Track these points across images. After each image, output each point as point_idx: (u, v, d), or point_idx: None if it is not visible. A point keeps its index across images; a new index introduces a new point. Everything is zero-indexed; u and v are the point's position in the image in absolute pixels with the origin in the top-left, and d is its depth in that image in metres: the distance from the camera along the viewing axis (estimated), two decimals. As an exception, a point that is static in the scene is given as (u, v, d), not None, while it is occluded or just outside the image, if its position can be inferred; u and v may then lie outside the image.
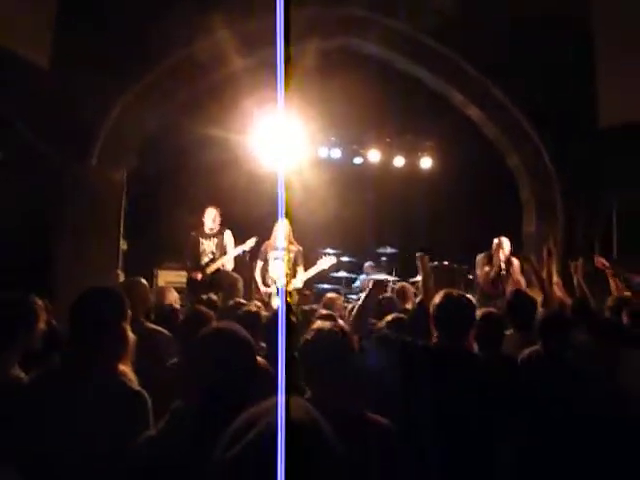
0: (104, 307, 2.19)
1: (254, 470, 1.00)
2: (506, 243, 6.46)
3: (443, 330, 2.65)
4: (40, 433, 1.95)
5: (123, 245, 7.00)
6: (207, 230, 6.93)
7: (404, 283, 5.99)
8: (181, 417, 1.71)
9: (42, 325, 2.65)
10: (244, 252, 7.10)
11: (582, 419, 2.68)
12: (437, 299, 2.71)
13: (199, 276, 6.80)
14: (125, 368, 2.12)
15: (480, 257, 6.62)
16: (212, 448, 1.35)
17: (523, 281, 6.12)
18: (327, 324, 2.14)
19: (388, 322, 3.41)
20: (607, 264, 5.10)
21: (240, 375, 1.74)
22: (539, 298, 4.31)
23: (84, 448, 1.91)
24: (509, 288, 5.76)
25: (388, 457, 1.90)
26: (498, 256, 6.33)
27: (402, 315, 3.62)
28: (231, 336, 1.82)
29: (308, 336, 2.07)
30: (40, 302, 2.68)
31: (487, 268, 6.42)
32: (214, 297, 4.73)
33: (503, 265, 6.28)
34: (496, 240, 6.45)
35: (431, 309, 2.72)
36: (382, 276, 8.87)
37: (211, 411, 1.62)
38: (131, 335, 2.23)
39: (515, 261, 6.36)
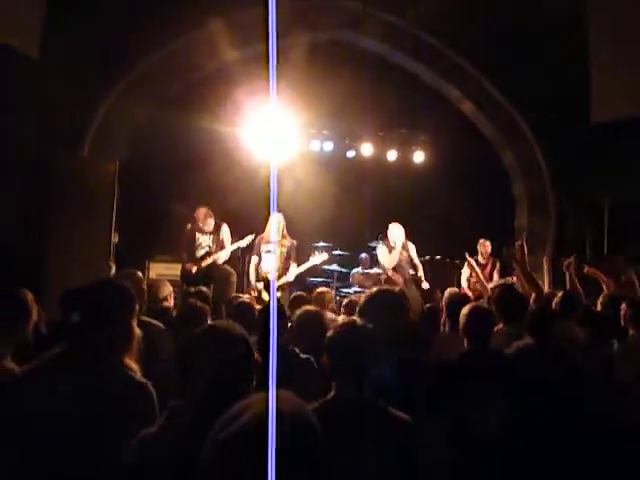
0: (116, 302, 2.21)
1: (237, 460, 1.01)
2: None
3: None
4: (42, 426, 1.94)
5: (115, 237, 6.96)
6: (203, 226, 6.92)
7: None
8: (180, 414, 1.71)
9: (34, 318, 2.65)
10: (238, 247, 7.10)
11: (576, 413, 2.70)
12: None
13: (194, 269, 6.79)
14: (130, 362, 2.14)
15: None
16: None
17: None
18: (352, 319, 2.18)
19: None
20: (597, 272, 5.12)
21: (238, 372, 1.74)
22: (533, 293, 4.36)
23: (89, 441, 1.91)
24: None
25: (409, 453, 1.93)
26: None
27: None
28: (227, 333, 1.82)
29: (334, 331, 2.10)
30: (31, 295, 2.68)
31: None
32: (204, 289, 4.70)
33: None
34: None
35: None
36: (374, 270, 8.91)
37: (209, 408, 1.62)
38: (137, 330, 2.25)
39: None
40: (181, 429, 1.66)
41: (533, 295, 4.32)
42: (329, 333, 2.14)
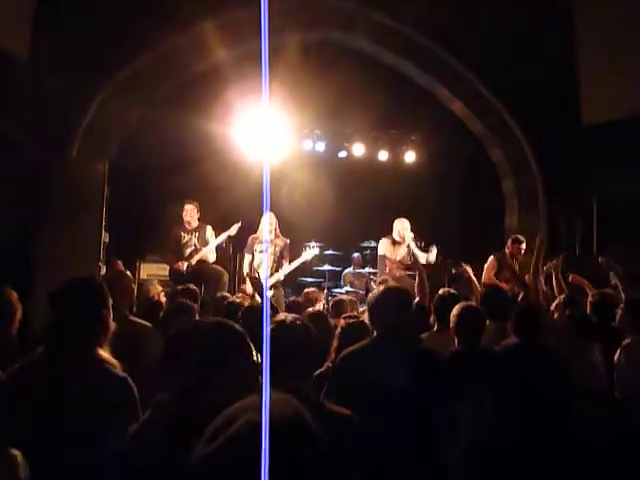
0: (84, 295, 2.20)
1: (234, 465, 1.00)
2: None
3: None
4: (26, 427, 1.93)
5: (105, 237, 6.93)
6: (187, 225, 6.92)
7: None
8: (165, 410, 1.70)
9: (18, 318, 2.63)
10: (226, 244, 7.08)
11: (563, 413, 2.72)
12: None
13: (183, 267, 6.77)
14: (107, 355, 2.12)
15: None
16: (195, 443, 1.35)
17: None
18: (289, 316, 2.13)
19: None
20: (582, 280, 5.13)
21: (233, 368, 1.73)
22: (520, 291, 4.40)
23: (73, 439, 1.91)
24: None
25: (354, 448, 1.91)
26: None
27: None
28: (225, 329, 1.82)
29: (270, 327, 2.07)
30: (15, 295, 2.66)
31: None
32: (192, 286, 4.68)
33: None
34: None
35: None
36: (365, 270, 8.92)
37: (195, 405, 1.61)
38: (111, 322, 2.23)
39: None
40: (166, 425, 1.64)
41: (521, 294, 4.37)
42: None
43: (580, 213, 8.18)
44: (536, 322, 3.40)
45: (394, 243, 7.08)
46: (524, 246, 6.52)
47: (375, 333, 2.84)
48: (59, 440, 1.91)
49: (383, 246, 7.18)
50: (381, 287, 3.13)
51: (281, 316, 2.06)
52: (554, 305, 4.18)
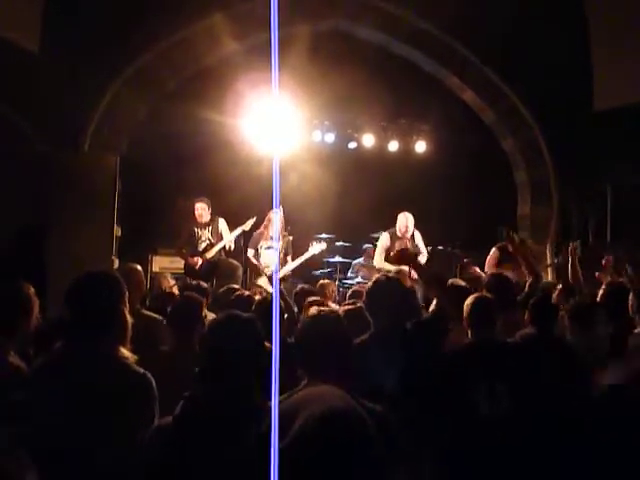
0: (102, 290, 2.19)
1: (305, 461, 0.97)
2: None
3: None
4: (47, 422, 1.94)
5: (117, 231, 6.97)
6: (199, 219, 6.95)
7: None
8: (195, 405, 1.69)
9: (36, 312, 2.65)
10: (240, 237, 7.11)
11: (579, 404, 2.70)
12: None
13: (198, 262, 6.81)
14: (126, 351, 2.13)
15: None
16: (227, 438, 1.33)
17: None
18: (323, 309, 2.13)
19: None
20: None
21: (252, 361, 1.73)
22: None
23: (93, 435, 1.92)
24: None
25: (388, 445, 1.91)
26: None
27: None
28: (243, 322, 1.82)
29: (305, 321, 2.06)
30: (33, 289, 2.68)
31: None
32: (203, 283, 4.70)
33: None
34: None
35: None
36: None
37: (228, 398, 1.62)
38: (129, 318, 2.24)
39: None
40: (196, 421, 1.64)
41: (529, 280, 4.33)
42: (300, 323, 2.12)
43: (594, 202, 8.10)
44: (553, 312, 3.38)
45: (394, 237, 7.01)
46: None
47: (372, 324, 2.87)
48: (79, 436, 1.92)
49: (382, 240, 7.13)
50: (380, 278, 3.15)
51: (314, 310, 2.06)
52: (555, 294, 4.18)
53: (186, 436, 1.61)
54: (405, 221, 6.97)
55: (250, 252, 6.96)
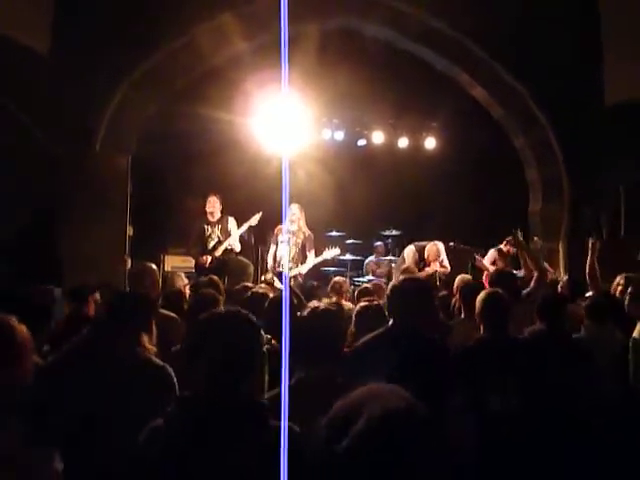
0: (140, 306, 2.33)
1: (372, 460, 0.97)
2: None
3: None
4: (70, 413, 1.99)
5: (129, 231, 7.02)
6: (210, 217, 6.98)
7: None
8: (189, 405, 1.69)
9: (62, 312, 2.76)
10: (248, 235, 7.13)
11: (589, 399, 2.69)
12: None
13: (208, 260, 6.84)
14: (149, 345, 2.20)
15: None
16: (220, 438, 1.33)
17: None
18: (321, 303, 2.16)
19: None
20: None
21: (249, 360, 1.73)
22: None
23: (115, 424, 1.96)
24: None
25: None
26: None
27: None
28: (237, 319, 1.81)
29: (303, 314, 2.09)
30: (59, 290, 2.78)
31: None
32: (214, 277, 4.71)
33: None
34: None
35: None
36: (387, 258, 8.90)
37: (219, 398, 1.62)
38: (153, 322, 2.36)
39: None
40: (190, 420, 1.63)
41: (535, 275, 4.31)
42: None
43: (606, 198, 8.03)
44: (562, 308, 3.37)
45: (420, 260, 6.99)
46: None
47: (391, 321, 2.86)
48: (100, 426, 1.96)
49: (409, 257, 7.10)
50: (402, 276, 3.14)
51: (314, 303, 2.08)
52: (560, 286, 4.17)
53: (180, 436, 1.60)
54: (436, 253, 7.00)
55: (272, 249, 7.01)
